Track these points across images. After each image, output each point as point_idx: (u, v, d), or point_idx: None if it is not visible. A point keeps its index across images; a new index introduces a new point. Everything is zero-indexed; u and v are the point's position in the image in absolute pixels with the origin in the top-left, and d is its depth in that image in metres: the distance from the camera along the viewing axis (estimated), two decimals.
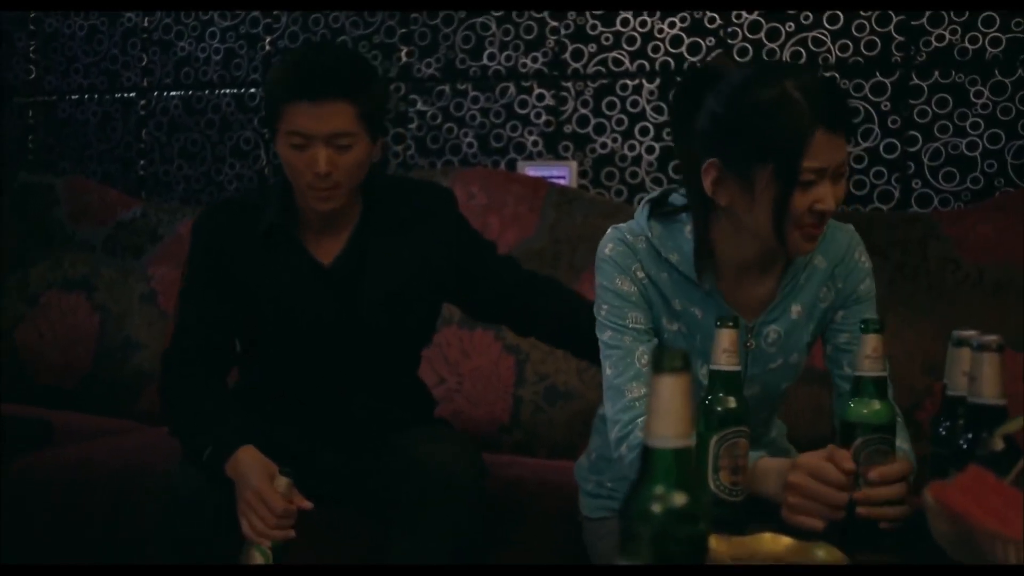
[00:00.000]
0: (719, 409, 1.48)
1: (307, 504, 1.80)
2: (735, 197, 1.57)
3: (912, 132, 2.63)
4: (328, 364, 1.99)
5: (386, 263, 1.98)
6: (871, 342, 1.44)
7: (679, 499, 0.88)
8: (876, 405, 1.44)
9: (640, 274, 1.68)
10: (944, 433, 1.35)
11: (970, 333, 1.31)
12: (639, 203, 1.77)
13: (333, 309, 1.97)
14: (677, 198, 1.72)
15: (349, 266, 1.98)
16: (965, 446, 1.23)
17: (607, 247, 1.71)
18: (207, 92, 3.43)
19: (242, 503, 1.77)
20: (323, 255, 1.98)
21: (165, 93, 3.50)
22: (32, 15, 3.69)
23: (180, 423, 1.94)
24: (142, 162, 3.54)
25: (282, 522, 1.76)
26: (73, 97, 3.65)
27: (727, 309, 1.67)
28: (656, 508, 0.88)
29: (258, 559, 1.76)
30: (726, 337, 1.47)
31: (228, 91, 3.39)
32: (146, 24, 3.52)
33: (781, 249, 1.60)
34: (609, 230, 1.73)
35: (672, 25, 2.85)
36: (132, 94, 3.55)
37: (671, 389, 0.87)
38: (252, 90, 3.36)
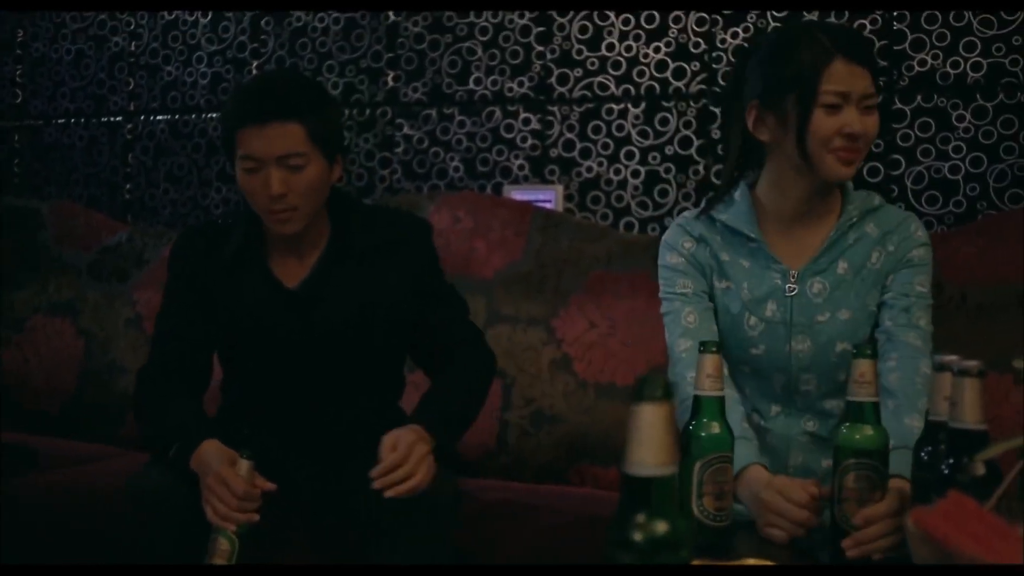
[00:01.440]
0: (703, 435, 1.49)
1: (269, 486, 1.80)
2: (773, 129, 1.75)
3: (895, 156, 2.65)
4: (297, 385, 2.01)
5: (349, 290, 1.99)
6: (860, 367, 1.45)
7: (660, 527, 0.88)
8: (867, 430, 1.45)
9: (688, 244, 1.85)
10: (926, 458, 1.36)
11: (951, 358, 1.31)
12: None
13: (296, 332, 1.98)
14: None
15: (313, 290, 1.99)
16: (947, 471, 1.23)
17: (665, 234, 1.89)
18: (194, 116, 3.44)
19: (205, 490, 1.77)
20: (289, 278, 2.00)
21: (152, 117, 3.50)
22: (19, 39, 3.69)
23: (149, 429, 1.98)
24: (128, 186, 3.54)
25: (244, 504, 1.76)
26: (59, 121, 3.65)
27: (771, 256, 1.79)
28: (637, 536, 0.88)
29: (224, 545, 1.75)
30: (709, 362, 1.48)
31: (215, 115, 3.40)
32: (133, 48, 3.53)
33: (814, 174, 1.73)
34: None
35: (657, 50, 2.87)
36: (118, 118, 3.55)
37: (652, 417, 0.88)
38: None
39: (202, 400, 2.05)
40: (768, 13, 2.75)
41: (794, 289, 1.79)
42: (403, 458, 1.75)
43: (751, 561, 1.32)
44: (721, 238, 1.84)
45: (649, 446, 0.88)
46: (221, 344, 2.06)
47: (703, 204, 1.88)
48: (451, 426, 1.93)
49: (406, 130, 3.14)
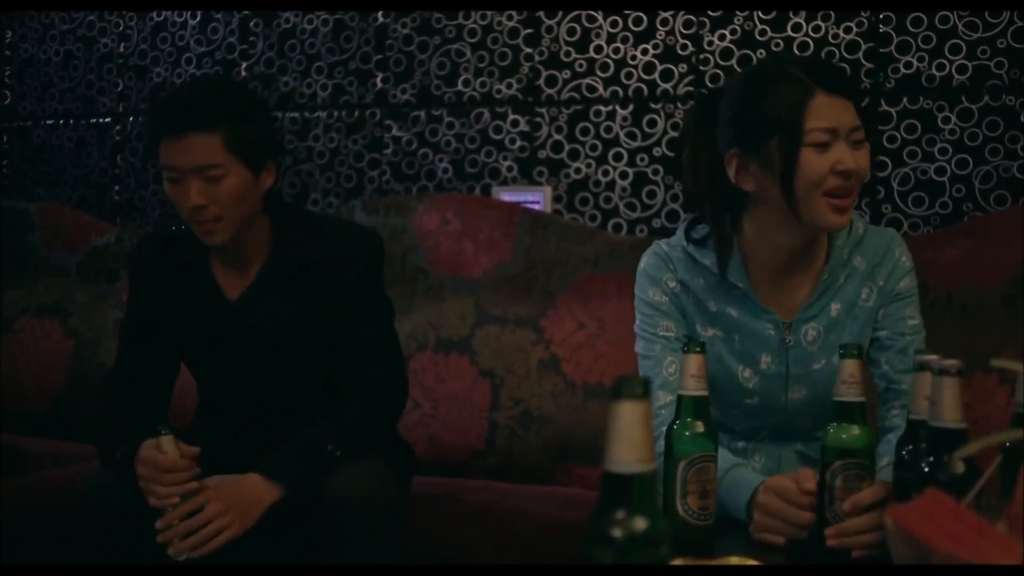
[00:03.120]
0: (687, 434, 1.49)
1: (194, 450, 1.79)
2: (758, 178, 1.63)
3: (882, 157, 2.66)
4: (244, 394, 2.01)
5: (287, 303, 1.97)
6: (848, 367, 1.46)
7: (640, 524, 0.89)
8: (854, 430, 1.46)
9: (672, 283, 1.74)
10: (907, 456, 1.37)
11: (931, 357, 1.32)
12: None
13: (236, 345, 1.98)
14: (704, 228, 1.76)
15: (252, 303, 1.98)
16: (927, 469, 1.24)
17: (643, 261, 1.78)
18: None
19: (140, 481, 1.78)
20: (231, 289, 2.00)
21: (141, 119, 3.50)
22: (8, 40, 3.69)
23: (102, 433, 1.98)
24: (117, 187, 3.54)
25: (175, 476, 1.76)
26: (48, 122, 3.64)
27: (761, 307, 1.71)
28: (617, 533, 0.89)
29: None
30: (693, 362, 1.48)
31: None
32: (122, 50, 3.53)
33: (804, 223, 1.62)
34: (651, 245, 1.80)
35: (645, 52, 2.88)
36: (108, 119, 3.55)
37: (630, 415, 0.88)
38: None
39: (166, 402, 2.07)
40: (755, 15, 2.76)
41: (791, 341, 1.72)
42: (190, 508, 1.75)
43: (734, 559, 1.32)
44: (704, 282, 1.74)
45: (629, 444, 0.89)
46: (175, 351, 2.07)
47: (683, 237, 1.75)
48: (303, 475, 1.83)
49: (395, 131, 3.15)
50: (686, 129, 1.78)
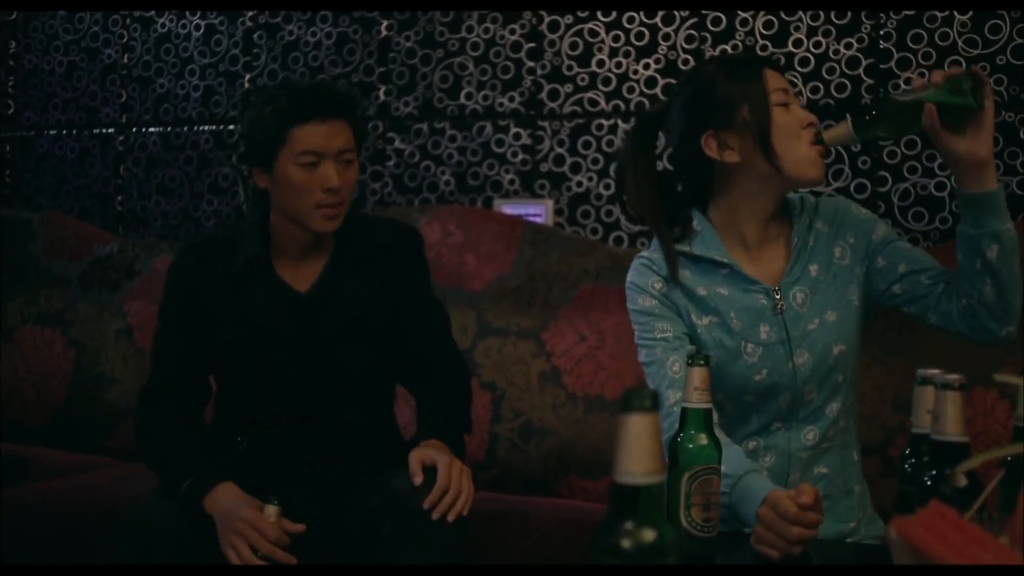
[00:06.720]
0: (691, 446, 1.50)
1: (298, 528, 1.83)
2: (739, 147, 1.77)
3: (882, 173, 2.68)
4: (298, 391, 2.01)
5: (355, 294, 2.03)
6: (698, 375, 1.47)
7: (647, 535, 0.90)
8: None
9: (658, 285, 1.81)
10: (910, 470, 1.38)
11: (934, 372, 1.34)
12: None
13: (305, 335, 2.00)
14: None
15: (323, 294, 2.02)
16: (929, 482, 1.25)
17: (628, 275, 1.85)
18: (186, 129, 3.45)
19: (230, 534, 1.78)
20: (298, 284, 2.03)
21: (144, 129, 3.51)
22: (12, 50, 3.71)
23: (157, 456, 1.98)
24: (119, 198, 3.55)
25: (270, 548, 1.78)
26: (51, 132, 3.66)
27: (749, 278, 1.79)
28: (624, 543, 0.90)
29: None
30: (697, 375, 1.49)
31: (207, 128, 3.41)
32: (125, 61, 3.55)
33: (788, 179, 1.76)
34: (633, 259, 1.88)
35: (647, 67, 2.90)
36: (110, 130, 3.56)
37: (639, 427, 0.90)
38: (231, 127, 3.38)
39: (204, 419, 2.07)
40: (756, 31, 2.78)
41: (782, 305, 1.79)
42: (448, 479, 1.80)
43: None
44: (691, 272, 1.81)
45: (637, 455, 0.90)
46: (222, 358, 2.05)
47: (660, 243, 1.84)
48: (458, 438, 1.99)
49: (397, 144, 3.16)
50: (628, 150, 1.88)
